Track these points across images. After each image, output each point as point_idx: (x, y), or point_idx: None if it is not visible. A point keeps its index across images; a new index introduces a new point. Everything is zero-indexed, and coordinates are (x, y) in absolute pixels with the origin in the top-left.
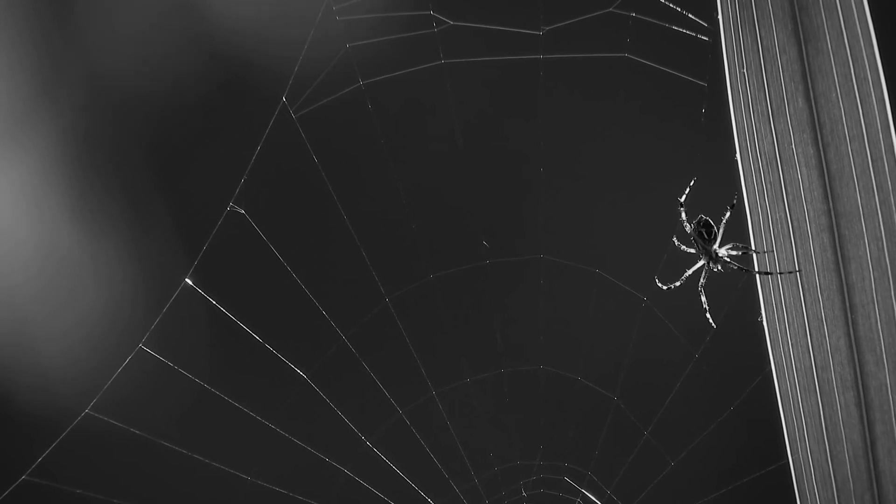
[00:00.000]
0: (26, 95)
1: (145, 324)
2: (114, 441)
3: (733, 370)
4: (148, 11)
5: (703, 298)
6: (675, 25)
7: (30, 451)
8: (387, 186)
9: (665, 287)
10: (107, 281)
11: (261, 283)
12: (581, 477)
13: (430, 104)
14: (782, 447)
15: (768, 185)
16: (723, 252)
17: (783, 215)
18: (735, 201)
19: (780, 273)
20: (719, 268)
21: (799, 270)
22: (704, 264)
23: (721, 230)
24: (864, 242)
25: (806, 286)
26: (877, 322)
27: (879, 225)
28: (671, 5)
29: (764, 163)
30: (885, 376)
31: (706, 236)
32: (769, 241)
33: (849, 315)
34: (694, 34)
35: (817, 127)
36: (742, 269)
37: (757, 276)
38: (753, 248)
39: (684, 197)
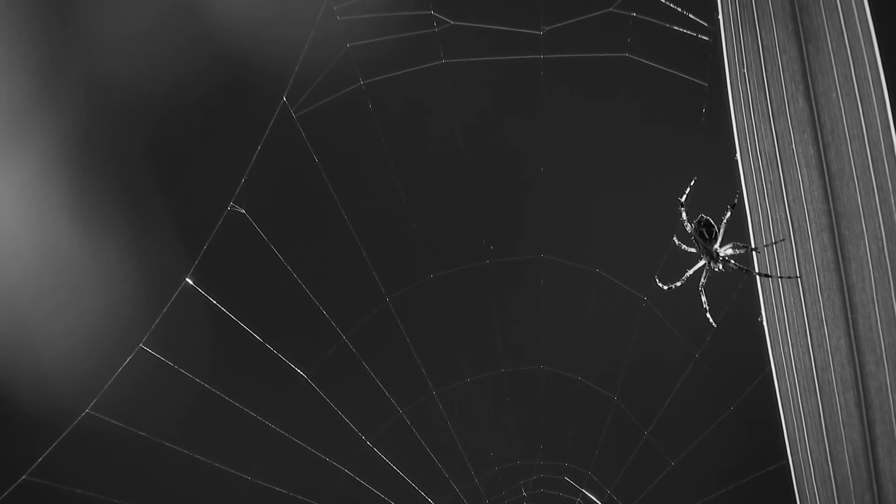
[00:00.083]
0: (26, 95)
1: (145, 324)
2: (114, 441)
3: (733, 370)
4: (148, 11)
5: (704, 298)
6: (676, 25)
7: (30, 451)
8: (387, 186)
9: (665, 287)
10: (107, 281)
11: (261, 282)
12: (581, 477)
13: (431, 104)
14: (782, 447)
15: (768, 185)
16: (723, 252)
17: (783, 215)
18: (736, 201)
19: (781, 277)
20: (720, 267)
21: (799, 276)
22: (705, 264)
23: (722, 230)
24: (865, 242)
25: (806, 286)
26: (877, 322)
27: (880, 225)
28: (671, 5)
29: (764, 162)
30: (885, 376)
31: (707, 236)
32: (768, 240)
33: (849, 315)
34: (694, 34)
35: (818, 127)
36: (742, 269)
37: (757, 276)
38: (753, 246)
39: (685, 197)
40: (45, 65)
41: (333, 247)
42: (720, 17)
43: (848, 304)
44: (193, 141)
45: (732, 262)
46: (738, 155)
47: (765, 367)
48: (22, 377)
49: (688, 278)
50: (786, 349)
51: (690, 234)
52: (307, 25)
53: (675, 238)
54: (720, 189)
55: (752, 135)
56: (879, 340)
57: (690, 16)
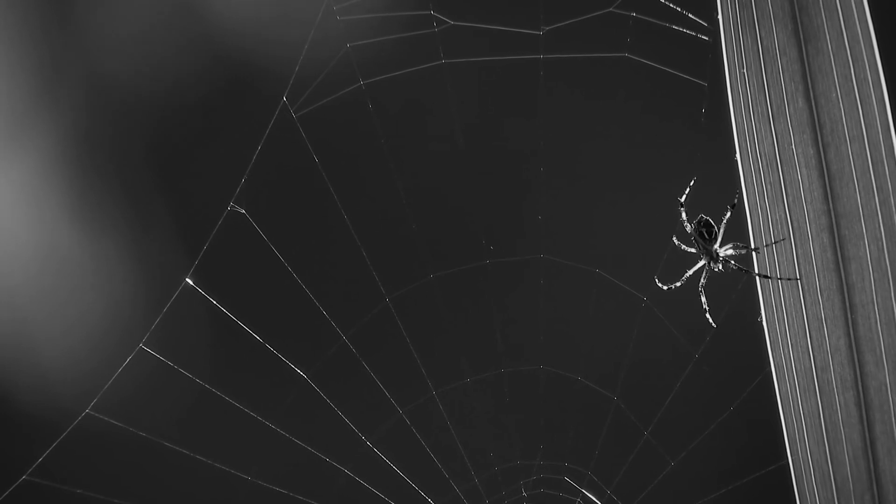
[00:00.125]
0: (26, 95)
1: (145, 324)
2: (114, 441)
3: (733, 370)
4: (148, 11)
5: (704, 299)
6: (676, 25)
7: (30, 451)
8: (387, 186)
9: (665, 287)
10: (107, 281)
11: (261, 282)
12: (581, 477)
13: (431, 104)
14: (782, 447)
15: (768, 186)
16: (723, 252)
17: (783, 216)
18: (736, 201)
19: (780, 279)
20: (720, 268)
21: (799, 278)
22: (705, 264)
23: (722, 230)
24: (865, 243)
25: (806, 286)
26: (877, 322)
27: (879, 225)
28: (671, 5)
29: (764, 163)
30: (885, 376)
31: (707, 236)
32: (768, 240)
33: (849, 315)
34: (694, 34)
35: (817, 127)
36: (742, 269)
37: (757, 277)
38: (753, 246)
39: (684, 197)
40: (45, 65)
41: (333, 247)
42: (720, 17)
43: (848, 305)
44: (193, 141)
45: (732, 262)
46: (738, 155)
47: (765, 368)
48: (22, 377)
49: (687, 279)
50: (786, 349)
51: (690, 235)
52: (307, 25)
53: (674, 238)
54: (720, 189)
55: (752, 135)
56: (879, 340)
57: (690, 16)
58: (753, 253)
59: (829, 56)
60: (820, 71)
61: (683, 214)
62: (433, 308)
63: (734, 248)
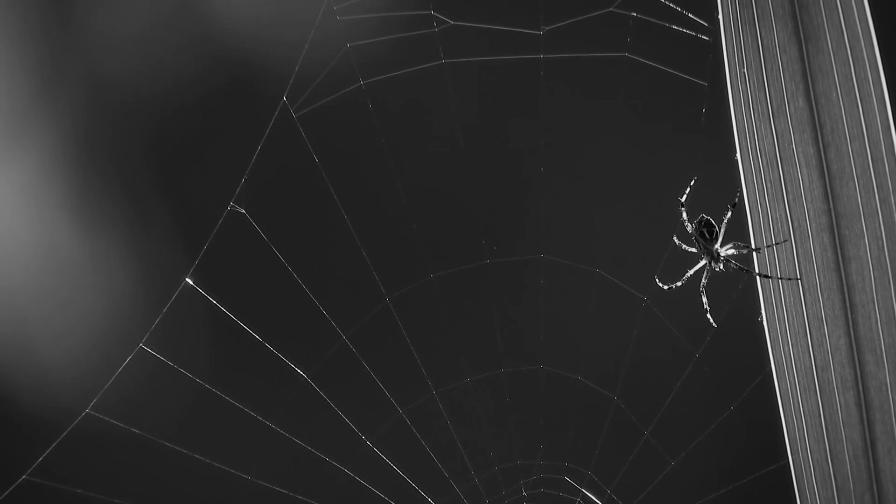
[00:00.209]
0: (26, 95)
1: (145, 324)
2: (114, 441)
3: (733, 370)
4: (148, 11)
5: (704, 299)
6: (676, 25)
7: (30, 451)
8: (387, 186)
9: (665, 287)
10: (107, 281)
11: (261, 282)
12: (581, 477)
13: (431, 104)
14: (782, 447)
15: (768, 185)
16: (724, 252)
17: (783, 215)
18: (736, 200)
19: (781, 279)
20: (721, 267)
21: (799, 279)
22: (706, 264)
23: (722, 230)
24: (865, 242)
25: (806, 286)
26: (877, 322)
27: (879, 225)
28: (671, 5)
29: (764, 162)
30: (885, 376)
31: (707, 236)
32: (769, 241)
33: (849, 315)
34: (694, 34)
35: (817, 126)
36: (743, 269)
37: (757, 277)
38: (754, 245)
39: (685, 197)
40: (45, 65)
41: (333, 247)
42: (720, 16)
43: (848, 304)
44: (193, 141)
45: (733, 262)
46: (738, 155)
47: (765, 367)
48: (22, 377)
49: (688, 278)
50: (786, 349)
51: (691, 234)
52: (307, 25)
53: (675, 238)
54: (720, 189)
55: (752, 135)
56: (879, 340)
57: (690, 16)
58: (754, 253)
59: (830, 55)
60: (820, 70)
61: (684, 214)
62: (433, 308)
63: (735, 247)
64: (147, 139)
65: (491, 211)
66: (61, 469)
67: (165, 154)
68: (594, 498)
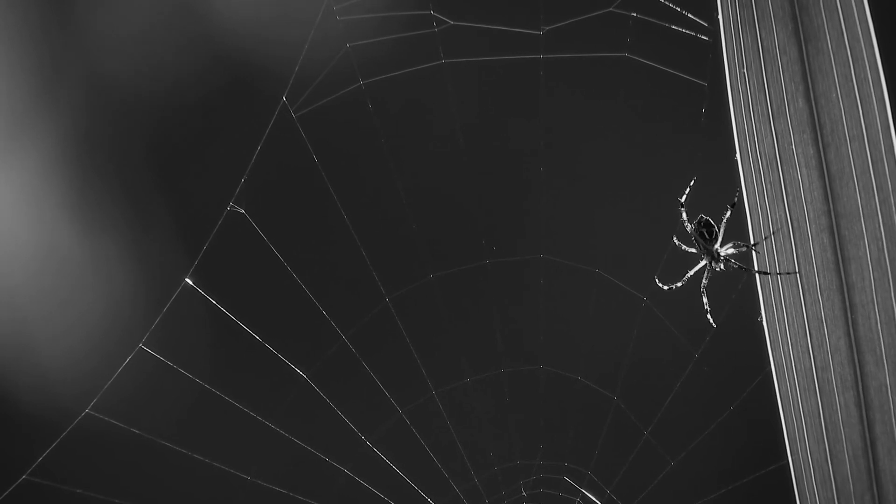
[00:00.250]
0: (26, 95)
1: (145, 324)
2: (114, 441)
3: (733, 370)
4: (148, 11)
5: (705, 299)
6: (676, 25)
7: (30, 451)
8: (387, 186)
9: (665, 287)
10: (107, 281)
11: (261, 282)
12: (581, 477)
13: (431, 104)
14: (782, 447)
15: (768, 186)
16: (724, 251)
17: (783, 216)
18: (736, 200)
19: (780, 274)
20: (721, 267)
21: (798, 272)
22: (706, 264)
23: (722, 229)
24: (864, 243)
25: (806, 286)
26: (877, 322)
27: (879, 225)
28: (671, 5)
29: (764, 163)
30: (885, 376)
31: (707, 236)
32: (769, 241)
33: (849, 315)
34: (694, 34)
35: (817, 127)
36: (743, 267)
37: (757, 275)
38: (752, 242)
39: (684, 197)
40: (45, 65)
41: (333, 247)
42: (720, 17)
43: (848, 305)
44: (193, 141)
45: (733, 261)
46: (738, 155)
47: (765, 367)
48: (22, 377)
49: (688, 279)
50: (786, 349)
51: (691, 235)
52: (307, 25)
53: (674, 238)
54: (720, 189)
55: (752, 135)
56: (879, 340)
57: (690, 16)
58: (753, 251)
59: (830, 56)
60: (820, 71)
61: (684, 215)
62: (433, 308)
63: (735, 246)
64: (147, 139)
65: (491, 211)
66: (61, 469)
67: (165, 154)
68: (594, 498)
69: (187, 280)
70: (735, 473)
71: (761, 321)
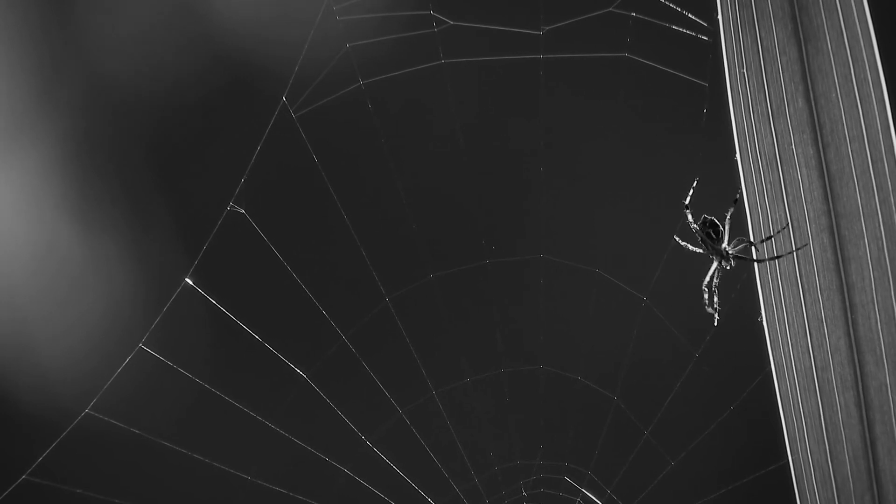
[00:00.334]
0: (26, 95)
1: (145, 324)
2: (114, 441)
3: (733, 370)
4: (148, 11)
5: (716, 299)
6: (676, 25)
7: (30, 451)
8: (387, 186)
9: (710, 310)
10: (106, 281)
11: (261, 282)
12: (581, 477)
13: (431, 104)
14: (782, 447)
15: (768, 186)
16: (733, 250)
17: (783, 216)
18: (738, 196)
19: (792, 252)
20: (731, 265)
21: (806, 245)
22: (717, 265)
23: (727, 228)
24: (865, 242)
25: (806, 286)
26: (877, 322)
27: (879, 225)
28: (671, 5)
29: (764, 163)
30: (885, 376)
31: (714, 236)
32: (768, 232)
33: (849, 315)
34: (694, 34)
35: (817, 127)
36: (747, 259)
37: (767, 263)
38: (751, 239)
39: (688, 199)
40: (45, 65)
41: (333, 247)
42: (720, 17)
43: (848, 304)
44: (193, 141)
45: (743, 255)
46: (737, 155)
47: (765, 367)
48: (22, 377)
49: (716, 286)
50: (786, 349)
51: (697, 235)
52: (307, 25)
53: (677, 238)
54: (720, 189)
55: (751, 135)
56: (879, 340)
57: (690, 16)
58: (754, 247)
59: (829, 56)
60: (820, 71)
61: (689, 216)
62: (433, 308)
63: (740, 243)
64: (147, 139)
65: (491, 211)
66: (61, 469)
67: (165, 154)
68: (594, 498)
69: (187, 280)
70: (735, 473)
71: (761, 321)
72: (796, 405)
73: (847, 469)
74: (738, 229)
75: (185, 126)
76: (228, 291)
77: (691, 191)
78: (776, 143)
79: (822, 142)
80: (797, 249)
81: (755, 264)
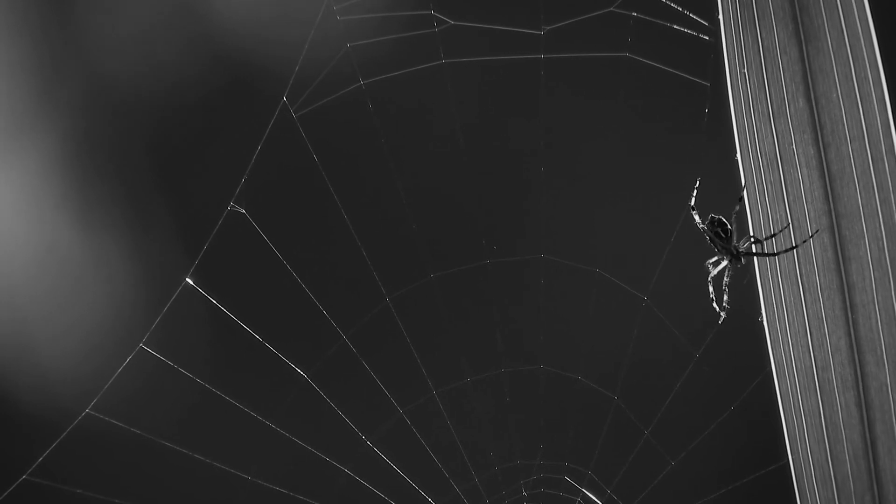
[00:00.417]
0: (26, 95)
1: (145, 324)
2: (114, 441)
3: (733, 370)
4: (148, 11)
5: (726, 297)
6: (676, 25)
7: (30, 451)
8: (387, 186)
9: (718, 309)
10: (107, 281)
11: (261, 282)
12: (581, 476)
13: (431, 104)
14: (782, 447)
15: (769, 185)
16: (743, 247)
17: (783, 215)
18: (743, 193)
19: (807, 240)
20: (743, 262)
21: (818, 231)
22: (728, 264)
23: (734, 225)
24: (865, 242)
25: (806, 286)
26: (877, 322)
27: (880, 225)
28: (672, 5)
29: (764, 163)
30: (886, 376)
31: (723, 235)
32: (769, 231)
33: (849, 315)
34: (695, 34)
35: (818, 127)
36: (766, 254)
37: (777, 257)
38: (752, 236)
39: (693, 200)
40: (45, 65)
41: (333, 247)
42: (720, 17)
43: (848, 304)
44: (193, 141)
45: (754, 248)
46: (738, 155)
47: (765, 367)
48: (22, 377)
49: (726, 284)
50: (786, 349)
51: (705, 235)
52: (307, 25)
53: (691, 205)
54: (721, 189)
55: (752, 135)
56: (879, 340)
57: (691, 15)
58: (755, 244)
59: (830, 56)
60: (820, 71)
61: (696, 217)
62: (433, 308)
63: (747, 239)
64: (147, 139)
65: (491, 211)
66: (61, 469)
67: (165, 154)
68: (594, 498)
69: (187, 280)
70: (735, 473)
71: (762, 321)
72: (797, 405)
73: (847, 469)
74: (741, 228)
75: (185, 126)
76: (229, 291)
77: (695, 192)
78: (777, 143)
79: (823, 142)
80: (812, 236)
81: (766, 259)
